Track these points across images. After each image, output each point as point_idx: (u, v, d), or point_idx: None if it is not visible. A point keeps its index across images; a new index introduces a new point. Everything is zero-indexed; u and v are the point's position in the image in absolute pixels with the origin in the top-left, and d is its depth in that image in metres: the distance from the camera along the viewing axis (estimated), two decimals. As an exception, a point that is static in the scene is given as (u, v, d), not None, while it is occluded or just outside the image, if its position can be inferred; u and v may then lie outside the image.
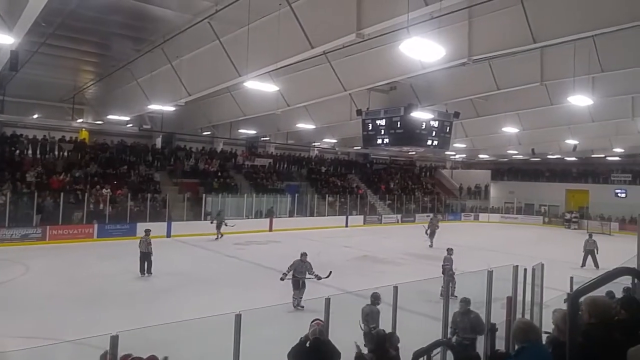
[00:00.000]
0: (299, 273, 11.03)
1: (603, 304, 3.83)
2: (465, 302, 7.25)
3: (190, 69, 14.64)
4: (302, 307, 10.55)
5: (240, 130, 27.88)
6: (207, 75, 14.27)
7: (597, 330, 3.43)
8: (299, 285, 10.98)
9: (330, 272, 10.96)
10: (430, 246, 22.41)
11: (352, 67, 14.80)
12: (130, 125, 25.24)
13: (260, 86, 14.39)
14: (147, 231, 15.04)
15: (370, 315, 7.42)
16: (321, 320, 5.50)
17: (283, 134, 31.07)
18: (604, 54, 12.71)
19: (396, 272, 14.91)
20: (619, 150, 31.61)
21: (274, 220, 27.18)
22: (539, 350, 3.21)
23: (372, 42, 13.04)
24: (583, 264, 17.15)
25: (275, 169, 33.45)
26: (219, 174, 29.07)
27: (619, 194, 36.43)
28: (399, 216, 34.91)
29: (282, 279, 10.96)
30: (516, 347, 3.31)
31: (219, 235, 22.31)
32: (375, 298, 7.61)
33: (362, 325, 7.25)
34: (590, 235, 18.51)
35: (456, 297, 8.86)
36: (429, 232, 23.12)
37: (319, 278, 10.78)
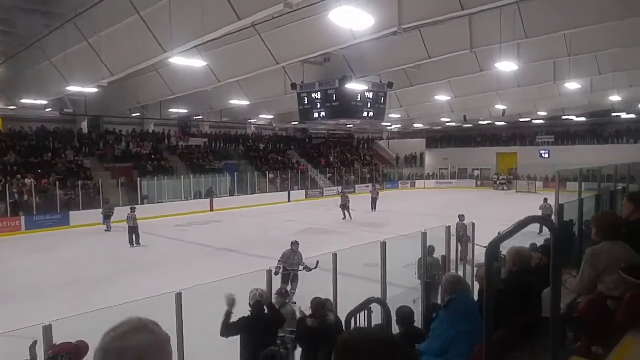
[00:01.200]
0: (291, 265, 9.83)
1: (525, 254, 4.06)
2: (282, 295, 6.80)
3: (110, 46, 13.67)
4: (294, 303, 8.71)
5: (171, 110, 26.70)
6: (129, 53, 13.41)
7: (517, 277, 3.64)
8: (289, 279, 9.79)
9: (318, 262, 9.42)
10: (344, 219, 22.49)
11: (283, 39, 14.45)
12: (50, 109, 23.50)
13: (187, 62, 13.80)
14: (133, 208, 17.57)
15: (432, 266, 8.37)
16: (262, 290, 5.48)
17: (217, 112, 30.12)
18: (528, 20, 13.14)
19: (338, 241, 15.14)
20: (542, 113, 33.49)
21: (215, 200, 26.72)
22: (466, 300, 3.35)
23: (302, 13, 12.76)
24: (541, 231, 17.22)
25: (211, 148, 32.67)
26: (153, 156, 27.99)
27: (543, 155, 38.87)
28: (340, 188, 35.34)
29: (276, 274, 9.22)
30: (446, 299, 3.45)
31: (108, 227, 20.13)
32: (431, 250, 8.51)
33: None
34: (546, 200, 18.07)
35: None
36: (341, 205, 23.02)
37: (309, 270, 9.51)
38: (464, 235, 11.67)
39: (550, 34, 13.78)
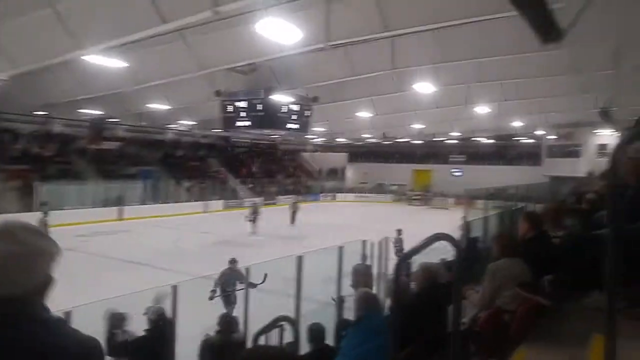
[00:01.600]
0: (230, 286, 8.83)
1: (433, 269, 4.23)
2: None
3: (15, 38, 12.50)
4: None
5: (83, 111, 24.96)
6: (36, 47, 12.29)
7: (426, 292, 3.77)
8: (230, 301, 8.81)
9: (266, 274, 8.58)
10: (252, 233, 21.25)
11: (209, 45, 14.11)
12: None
13: (103, 61, 13.03)
14: (45, 213, 17.17)
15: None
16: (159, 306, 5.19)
17: (134, 115, 28.65)
18: (445, 46, 13.97)
19: (256, 254, 14.89)
20: (456, 134, 35.80)
21: (125, 208, 25.21)
22: (376, 316, 3.39)
23: (230, 22, 12.59)
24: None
25: (124, 153, 30.97)
26: (57, 159, 25.94)
27: (455, 173, 41.36)
28: (261, 199, 35.01)
29: (211, 298, 8.50)
30: (357, 315, 3.47)
31: None
32: (364, 257, 8.74)
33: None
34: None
35: None
36: (249, 217, 21.82)
37: (254, 286, 8.31)
38: (400, 249, 11.97)
39: (463, 61, 14.76)
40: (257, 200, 29.62)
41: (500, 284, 3.28)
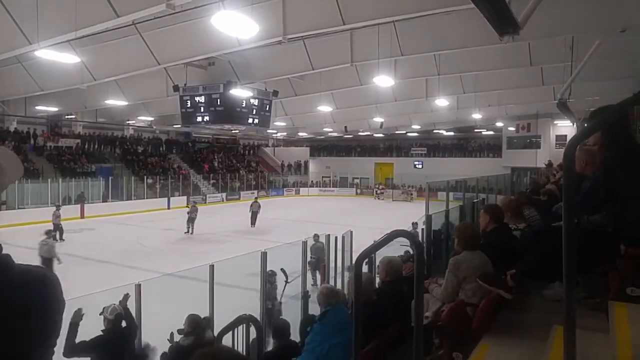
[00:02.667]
0: (272, 299, 7.85)
1: (396, 264, 4.25)
2: None
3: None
4: None
5: (39, 107, 23.94)
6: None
7: (390, 286, 3.80)
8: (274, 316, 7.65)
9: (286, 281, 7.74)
10: (186, 232, 20.04)
11: (166, 40, 13.71)
12: None
13: (57, 57, 12.43)
14: (58, 206, 18.56)
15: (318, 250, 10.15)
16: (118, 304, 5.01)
17: (91, 112, 27.71)
18: (403, 39, 14.07)
19: (220, 250, 14.70)
20: (416, 127, 36.23)
21: (86, 206, 24.61)
22: (340, 312, 3.38)
23: (186, 14, 12.31)
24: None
25: (84, 150, 29.96)
26: (14, 157, 24.85)
27: (417, 165, 41.97)
28: (224, 195, 34.62)
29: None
30: (321, 311, 3.45)
31: None
32: (316, 237, 10.55)
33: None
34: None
35: None
36: (188, 217, 20.59)
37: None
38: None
39: (422, 54, 14.92)
40: (196, 198, 28.95)
41: (462, 277, 3.32)
